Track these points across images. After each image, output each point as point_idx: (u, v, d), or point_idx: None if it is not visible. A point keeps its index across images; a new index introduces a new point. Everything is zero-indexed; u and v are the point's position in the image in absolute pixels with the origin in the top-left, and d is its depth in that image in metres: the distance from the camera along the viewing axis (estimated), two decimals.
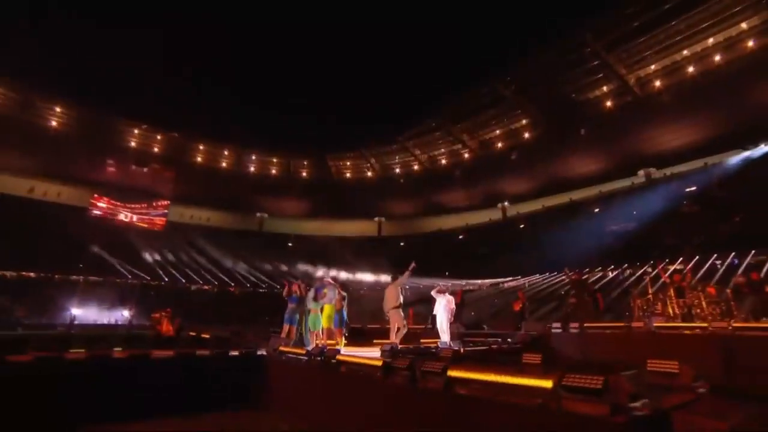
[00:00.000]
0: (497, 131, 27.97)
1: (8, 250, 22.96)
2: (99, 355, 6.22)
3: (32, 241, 24.36)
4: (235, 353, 7.11)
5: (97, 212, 28.93)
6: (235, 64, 33.57)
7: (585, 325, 9.73)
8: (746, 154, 19.85)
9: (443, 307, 9.39)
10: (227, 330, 13.33)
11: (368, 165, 33.83)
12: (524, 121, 26.51)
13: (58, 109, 26.81)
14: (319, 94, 36.87)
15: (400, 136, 30.17)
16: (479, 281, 25.49)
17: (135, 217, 30.61)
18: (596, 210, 25.21)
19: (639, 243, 21.09)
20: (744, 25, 17.86)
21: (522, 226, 28.81)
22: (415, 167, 32.95)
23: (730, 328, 7.40)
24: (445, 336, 9.14)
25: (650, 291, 11.31)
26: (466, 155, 30.20)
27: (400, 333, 8.53)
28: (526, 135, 26.76)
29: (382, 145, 31.70)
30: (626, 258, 20.13)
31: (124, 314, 25.92)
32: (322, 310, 8.99)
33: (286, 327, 8.92)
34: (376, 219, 37.26)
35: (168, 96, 29.48)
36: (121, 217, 30.02)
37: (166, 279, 29.16)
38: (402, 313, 8.85)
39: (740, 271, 13.60)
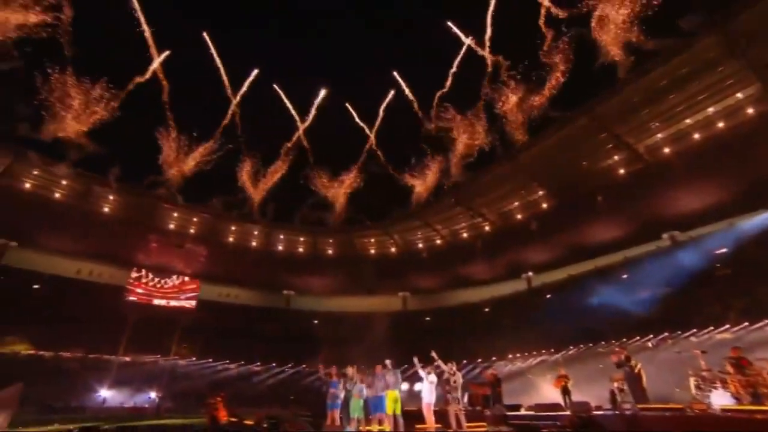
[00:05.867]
0: (515, 203, 28.74)
1: (46, 331, 23.73)
2: None
3: (71, 321, 24.98)
4: None
5: (132, 298, 30.05)
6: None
7: (638, 406, 9.26)
8: None
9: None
10: (259, 412, 13.16)
11: (391, 241, 34.53)
12: (540, 192, 27.35)
13: (111, 197, 29.12)
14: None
15: (422, 213, 31.11)
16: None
17: (168, 301, 31.54)
18: (624, 276, 24.67)
19: (677, 309, 20.39)
20: (740, 95, 19.18)
21: (548, 296, 28.13)
22: (438, 241, 33.43)
23: None
24: None
25: (704, 365, 9.93)
26: (487, 228, 30.71)
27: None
28: (544, 205, 27.46)
29: (404, 221, 32.54)
30: (665, 326, 19.43)
31: (151, 396, 25.68)
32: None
33: (329, 413, 8.91)
34: (401, 294, 36.86)
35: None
36: (156, 301, 31.04)
37: (194, 358, 29.16)
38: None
39: None
